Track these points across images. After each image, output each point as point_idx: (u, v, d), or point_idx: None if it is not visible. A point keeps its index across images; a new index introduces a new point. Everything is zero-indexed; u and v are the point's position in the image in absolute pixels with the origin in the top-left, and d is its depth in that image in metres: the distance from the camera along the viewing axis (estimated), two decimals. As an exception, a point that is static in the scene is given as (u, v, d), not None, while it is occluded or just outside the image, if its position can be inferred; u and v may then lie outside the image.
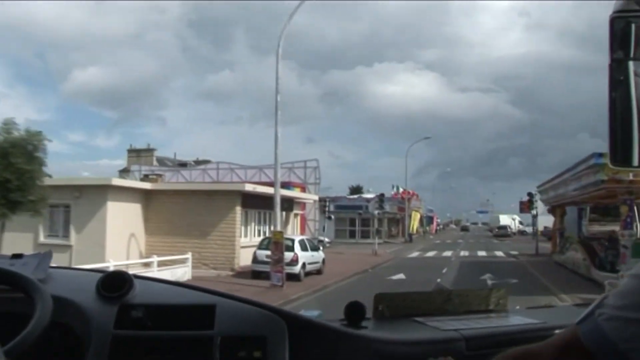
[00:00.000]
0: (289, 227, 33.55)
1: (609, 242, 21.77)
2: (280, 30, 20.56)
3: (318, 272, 24.16)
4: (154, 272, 18.49)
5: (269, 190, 23.06)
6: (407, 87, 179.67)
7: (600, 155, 17.87)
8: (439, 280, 18.25)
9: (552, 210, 35.54)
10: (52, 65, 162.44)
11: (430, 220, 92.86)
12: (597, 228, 29.12)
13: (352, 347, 1.75)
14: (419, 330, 1.96)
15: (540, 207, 40.72)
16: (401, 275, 23.78)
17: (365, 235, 54.85)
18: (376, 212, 47.11)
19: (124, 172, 49.01)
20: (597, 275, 20.56)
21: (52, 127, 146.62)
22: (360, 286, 20.09)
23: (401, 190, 64.51)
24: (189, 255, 22.02)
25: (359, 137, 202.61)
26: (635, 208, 18.94)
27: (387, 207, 52.65)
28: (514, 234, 79.92)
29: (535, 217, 43.27)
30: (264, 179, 34.19)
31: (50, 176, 25.71)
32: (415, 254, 40.31)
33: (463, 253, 41.29)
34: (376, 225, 48.60)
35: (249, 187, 25.93)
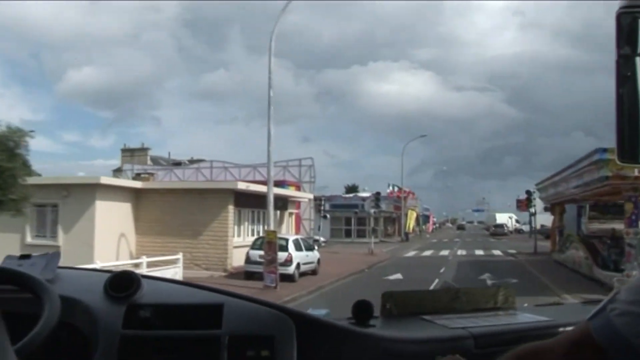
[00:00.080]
0: (284, 226, 33.01)
1: (612, 240, 21.24)
2: (273, 26, 19.93)
3: (313, 272, 23.63)
4: (143, 274, 17.83)
5: (262, 188, 22.45)
6: (402, 86, 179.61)
7: (605, 150, 17.29)
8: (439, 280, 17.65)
9: (551, 208, 35.00)
10: (46, 65, 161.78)
11: (426, 219, 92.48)
12: (596, 226, 28.62)
13: (360, 345, 1.75)
14: (427, 329, 1.96)
15: (538, 205, 40.24)
16: (398, 275, 23.27)
17: (361, 234, 54.65)
18: (372, 210, 46.67)
19: (118, 172, 48.63)
20: (600, 274, 20.02)
21: (47, 127, 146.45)
22: (357, 287, 19.67)
23: (396, 189, 63.98)
24: (180, 256, 21.33)
25: (355, 136, 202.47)
26: (640, 205, 18.38)
27: (383, 206, 52.32)
28: (511, 232, 79.61)
29: (533, 215, 42.83)
30: (258, 177, 33.64)
31: (39, 174, 25.17)
32: (412, 253, 39.84)
33: (460, 252, 40.79)
34: (372, 224, 48.06)
35: (241, 186, 25.34)
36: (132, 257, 23.16)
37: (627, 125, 1.30)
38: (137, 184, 26.19)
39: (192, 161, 55.82)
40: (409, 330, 1.93)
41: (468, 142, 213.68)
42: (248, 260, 21.97)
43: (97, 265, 15.92)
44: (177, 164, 54.04)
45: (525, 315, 2.18)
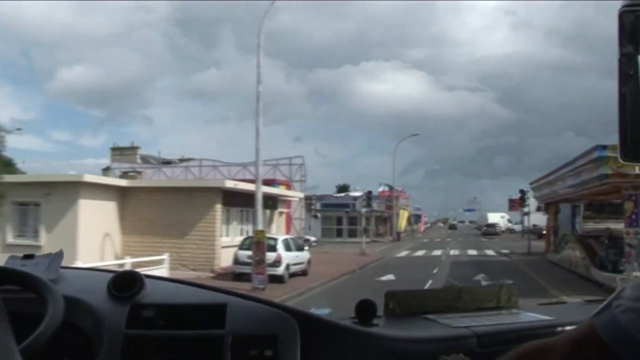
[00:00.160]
0: (274, 225, 32.45)
1: (610, 240, 20.75)
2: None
3: (303, 273, 23.03)
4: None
5: (251, 187, 21.84)
6: (394, 86, 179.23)
7: (605, 147, 16.75)
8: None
9: (545, 208, 34.54)
10: (37, 64, 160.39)
11: (418, 218, 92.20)
12: (591, 225, 28.36)
13: (364, 344, 1.76)
14: (430, 328, 1.96)
15: (531, 204, 39.84)
16: (391, 276, 22.70)
17: (352, 234, 54.31)
18: (363, 210, 46.37)
19: (107, 171, 48.05)
20: (598, 275, 19.50)
21: (37, 126, 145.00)
22: (348, 288, 19.15)
23: (387, 189, 63.56)
24: (165, 256, 20.71)
25: (346, 136, 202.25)
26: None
27: (374, 206, 51.96)
28: (503, 232, 79.29)
29: (526, 214, 42.44)
30: (248, 176, 32.93)
31: (24, 173, 24.45)
32: (404, 253, 39.35)
33: (453, 252, 40.23)
34: (364, 224, 47.73)
35: (229, 184, 24.69)
36: (117, 258, 22.54)
37: (629, 123, 1.28)
38: (123, 182, 25.57)
39: (182, 160, 55.16)
40: (412, 330, 1.93)
41: (460, 142, 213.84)
42: (236, 260, 21.38)
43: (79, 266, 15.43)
44: (167, 162, 53.45)
45: (528, 314, 2.17)
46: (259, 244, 18.35)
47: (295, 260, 22.39)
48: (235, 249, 22.35)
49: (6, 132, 17.15)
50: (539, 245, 38.03)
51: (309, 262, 23.97)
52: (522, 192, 40.61)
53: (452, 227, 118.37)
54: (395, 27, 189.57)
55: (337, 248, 40.57)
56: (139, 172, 36.36)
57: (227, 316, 1.68)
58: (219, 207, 24.20)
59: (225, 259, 23.42)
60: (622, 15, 1.32)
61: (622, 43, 1.32)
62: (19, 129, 17.53)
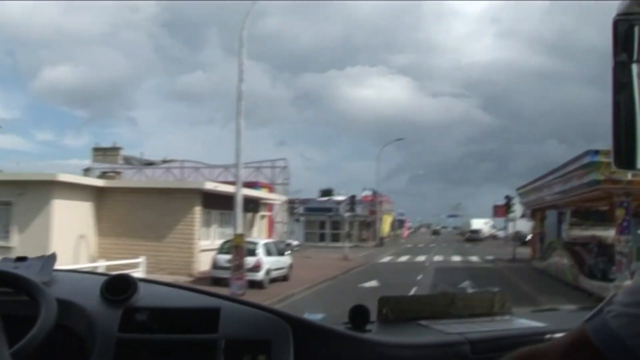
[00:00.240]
0: (255, 229, 31.75)
1: (599, 248, 20.30)
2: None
3: (284, 278, 22.46)
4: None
5: (232, 189, 21.17)
6: (379, 91, 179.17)
7: (597, 152, 16.27)
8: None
9: (532, 214, 34.16)
10: (21, 63, 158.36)
11: (401, 223, 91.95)
12: (577, 232, 27.94)
13: (357, 350, 1.76)
14: (424, 334, 1.96)
15: (517, 210, 39.53)
16: (374, 283, 22.15)
17: (335, 238, 53.97)
18: (347, 214, 45.93)
19: (87, 171, 47.37)
20: (587, 284, 19.05)
21: (20, 125, 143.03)
22: (330, 295, 18.70)
23: (370, 193, 63.17)
24: (141, 259, 20.02)
25: (331, 140, 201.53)
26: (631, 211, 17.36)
27: (358, 210, 51.61)
28: (486, 238, 79.18)
29: (512, 221, 42.13)
30: (231, 178, 32.15)
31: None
32: (387, 259, 38.94)
33: (437, 258, 39.87)
34: (347, 229, 47.27)
35: (209, 186, 24.07)
36: (92, 260, 21.79)
37: (623, 131, 1.30)
38: (99, 182, 24.86)
39: (165, 162, 54.58)
40: (405, 336, 1.92)
41: (444, 148, 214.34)
42: (215, 265, 20.79)
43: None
44: (150, 164, 52.76)
45: (522, 320, 2.16)
46: (238, 248, 17.72)
47: (276, 265, 21.84)
48: (215, 252, 21.75)
49: None
50: (523, 251, 37.80)
51: (290, 267, 23.43)
52: (508, 198, 40.31)
53: (436, 232, 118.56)
54: (381, 32, 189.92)
55: (319, 253, 40.08)
56: (118, 173, 35.71)
57: (220, 320, 1.66)
58: (198, 210, 23.58)
59: (204, 263, 22.76)
60: (616, 24, 1.32)
61: (615, 51, 1.33)
62: (-1, 127, 16.71)
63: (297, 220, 48.08)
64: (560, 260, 23.57)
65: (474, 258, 40.05)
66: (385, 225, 67.73)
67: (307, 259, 32.87)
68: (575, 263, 21.27)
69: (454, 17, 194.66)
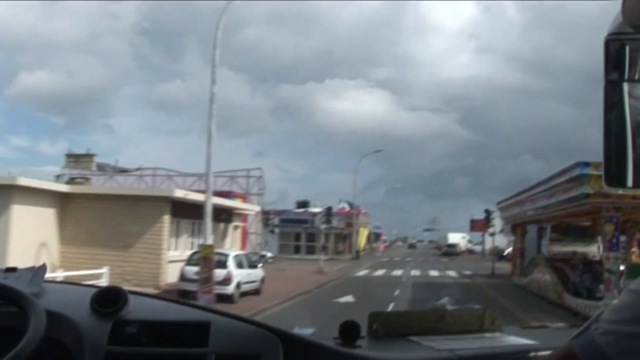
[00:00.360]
0: (228, 240, 30.81)
1: (584, 265, 19.64)
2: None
3: (256, 292, 21.55)
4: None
5: (203, 197, 20.21)
6: (357, 104, 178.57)
7: (587, 164, 15.56)
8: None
9: (512, 229, 33.59)
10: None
11: (377, 237, 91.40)
12: (558, 248, 27.39)
13: None
14: (414, 350, 1.98)
15: (496, 225, 39.02)
16: (350, 298, 21.34)
17: (310, 250, 53.37)
18: (323, 226, 45.13)
19: (59, 178, 46.16)
20: (572, 302, 18.36)
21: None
22: (304, 310, 18.02)
23: (347, 206, 62.52)
24: (104, 270, 18.92)
25: (309, 152, 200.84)
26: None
27: (334, 222, 50.85)
28: (463, 252, 78.94)
29: (492, 235, 41.62)
30: (204, 187, 31.39)
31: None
32: (363, 272, 38.24)
33: (414, 272, 39.20)
34: (322, 241, 46.48)
35: (179, 194, 23.07)
36: (54, 270, 20.61)
37: (614, 149, 1.32)
38: (63, 188, 23.68)
39: (139, 169, 53.59)
40: (395, 352, 1.95)
41: (420, 162, 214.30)
42: (182, 277, 19.78)
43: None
44: (124, 171, 51.64)
45: (511, 338, 2.14)
46: (206, 259, 16.77)
47: (247, 278, 20.93)
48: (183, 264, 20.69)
49: None
50: (501, 267, 37.37)
51: (262, 280, 22.51)
52: (487, 212, 39.79)
53: (412, 246, 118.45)
54: (360, 46, 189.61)
55: (294, 265, 39.24)
56: (87, 179, 34.48)
57: (210, 334, 1.65)
58: (167, 218, 22.57)
59: (172, 275, 21.71)
60: (607, 43, 1.35)
61: (607, 70, 1.35)
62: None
63: (272, 231, 47.33)
64: (543, 276, 22.90)
65: (452, 273, 39.51)
66: (362, 238, 67.14)
67: (280, 271, 32.07)
68: (559, 280, 20.57)
69: (432, 32, 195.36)
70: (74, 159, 56.62)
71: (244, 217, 35.35)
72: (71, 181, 30.81)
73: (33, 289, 1.67)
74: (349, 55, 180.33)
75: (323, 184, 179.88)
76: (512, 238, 36.19)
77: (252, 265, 22.26)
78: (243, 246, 34.26)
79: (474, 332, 2.19)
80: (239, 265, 20.55)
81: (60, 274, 16.92)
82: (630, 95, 1.33)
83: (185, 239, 25.00)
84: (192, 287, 18.05)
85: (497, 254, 47.56)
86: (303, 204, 73.79)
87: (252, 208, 35.55)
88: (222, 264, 19.19)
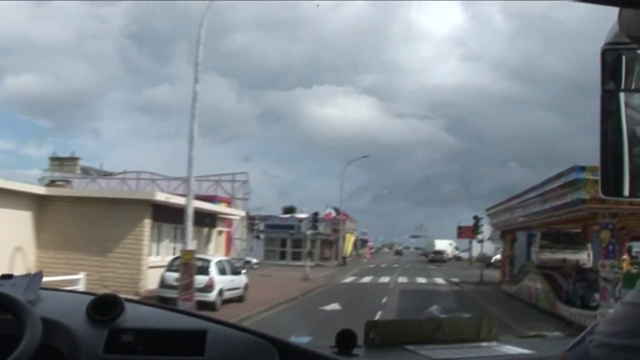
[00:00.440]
0: (211, 245, 30.10)
1: (577, 273, 19.13)
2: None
3: (239, 299, 20.86)
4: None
5: (185, 201, 19.57)
6: (345, 111, 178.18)
7: (583, 169, 15.00)
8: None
9: (501, 236, 33.10)
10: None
11: (364, 243, 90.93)
12: (547, 256, 27.03)
13: None
14: (410, 359, 1.98)
15: (485, 231, 38.59)
16: (336, 305, 20.74)
17: (296, 257, 52.75)
18: (309, 232, 44.59)
19: (42, 181, 45.39)
20: (566, 311, 17.79)
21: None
22: (287, 319, 17.44)
23: (333, 211, 62.04)
24: (81, 276, 18.18)
25: (296, 158, 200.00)
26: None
27: (320, 228, 50.29)
28: (450, 259, 78.59)
29: (480, 242, 41.19)
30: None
31: None
32: (349, 279, 37.61)
33: (401, 279, 38.61)
34: (308, 247, 45.92)
35: (160, 197, 22.33)
36: (29, 275, 19.85)
37: (611, 159, 1.31)
38: (40, 190, 22.79)
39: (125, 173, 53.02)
40: None
41: (407, 168, 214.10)
42: (162, 283, 19.11)
43: None
44: (108, 175, 50.92)
45: (508, 347, 2.14)
46: (187, 265, 16.13)
47: (230, 285, 20.23)
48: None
49: None
50: (489, 274, 36.98)
51: (246, 287, 21.80)
52: (476, 218, 39.33)
53: (398, 252, 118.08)
54: (348, 52, 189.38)
55: (279, 271, 38.63)
56: (69, 182, 33.60)
57: (207, 343, 1.64)
58: (147, 222, 21.84)
59: (152, 281, 20.98)
60: (604, 53, 1.34)
61: (604, 80, 1.34)
62: None
63: (258, 237, 46.74)
64: (534, 284, 22.34)
65: (440, 280, 38.97)
66: (348, 244, 66.66)
67: (265, 277, 31.51)
68: (551, 288, 20.03)
69: (420, 39, 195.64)
70: (58, 162, 56.09)
71: (228, 222, 34.71)
72: (51, 184, 29.95)
73: (29, 297, 1.67)
74: (337, 61, 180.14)
75: (310, 190, 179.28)
76: (500, 245, 35.81)
77: (235, 272, 21.57)
78: (227, 252, 33.59)
79: (471, 342, 2.19)
80: (222, 272, 19.87)
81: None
82: (626, 105, 1.33)
83: (167, 244, 24.35)
84: (172, 294, 17.49)
85: (485, 261, 47.32)
86: (289, 210, 73.35)
87: (236, 213, 34.94)
88: (204, 270, 18.56)
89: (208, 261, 19.68)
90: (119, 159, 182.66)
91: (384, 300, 23.39)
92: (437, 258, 73.82)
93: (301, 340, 1.94)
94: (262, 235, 52.01)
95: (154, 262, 22.12)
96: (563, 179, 16.40)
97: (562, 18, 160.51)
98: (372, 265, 59.39)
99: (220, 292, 19.11)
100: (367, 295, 25.83)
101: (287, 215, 63.04)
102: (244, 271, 23.41)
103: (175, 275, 17.69)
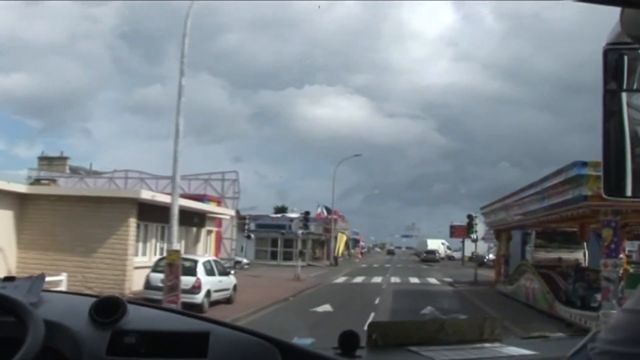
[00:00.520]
0: (200, 245, 29.39)
1: (577, 272, 18.59)
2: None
3: (227, 301, 20.25)
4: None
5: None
6: (336, 110, 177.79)
7: (585, 164, 14.43)
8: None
9: (496, 235, 32.58)
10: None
11: (356, 243, 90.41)
12: (542, 255, 26.54)
13: None
14: None
15: (479, 230, 38.11)
16: (327, 307, 20.17)
17: (287, 256, 52.24)
18: (300, 232, 43.91)
19: (29, 180, 44.71)
20: (565, 312, 17.24)
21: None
22: (277, 321, 16.65)
23: (324, 211, 61.49)
24: (63, 277, 17.48)
25: (287, 158, 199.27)
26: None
27: (312, 228, 49.73)
28: (442, 259, 78.22)
29: (474, 241, 40.71)
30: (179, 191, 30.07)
31: None
32: (341, 279, 37.02)
33: (394, 279, 38.06)
34: (300, 247, 45.32)
35: (146, 195, 21.64)
36: (9, 276, 19.16)
37: (613, 159, 1.32)
38: (21, 188, 22.02)
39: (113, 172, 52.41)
40: None
41: (399, 168, 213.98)
42: (147, 284, 18.44)
43: None
44: (98, 174, 50.26)
45: (511, 348, 2.12)
46: (172, 266, 15.41)
47: (218, 286, 19.61)
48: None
49: None
50: (482, 273, 36.52)
51: (234, 288, 21.18)
52: (470, 217, 38.83)
53: (390, 252, 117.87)
54: (339, 52, 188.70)
55: (270, 272, 38.00)
56: (54, 181, 32.81)
57: (209, 345, 1.63)
58: (133, 222, 21.19)
59: (138, 282, 20.30)
60: (606, 53, 1.34)
61: (606, 80, 1.34)
62: None
63: (248, 237, 46.05)
64: (531, 284, 21.76)
65: (433, 280, 38.49)
66: (340, 244, 66.13)
67: (256, 278, 30.95)
68: (549, 288, 19.46)
69: (411, 39, 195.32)
70: (47, 161, 55.30)
71: (218, 221, 34.06)
72: (36, 182, 29.17)
73: (31, 299, 1.67)
74: (329, 61, 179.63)
75: (302, 190, 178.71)
76: (493, 244, 35.27)
77: (224, 272, 20.96)
78: (217, 252, 33.00)
79: (474, 343, 2.19)
80: (209, 272, 19.24)
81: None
82: (628, 104, 1.32)
83: (153, 244, 23.68)
84: (157, 295, 16.69)
85: (477, 260, 46.88)
86: (281, 210, 72.77)
87: (226, 212, 34.25)
88: (191, 271, 17.96)
89: (195, 261, 19.02)
90: (110, 159, 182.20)
91: (376, 301, 22.90)
92: (430, 258, 73.60)
93: (304, 341, 1.95)
94: (252, 235, 51.39)
95: (139, 262, 21.46)
96: (564, 175, 15.79)
97: (553, 18, 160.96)
98: (364, 265, 59.02)
99: (208, 293, 18.51)
100: (360, 296, 25.36)
101: (279, 215, 62.41)
102: (232, 272, 22.83)
103: (161, 276, 17.03)
